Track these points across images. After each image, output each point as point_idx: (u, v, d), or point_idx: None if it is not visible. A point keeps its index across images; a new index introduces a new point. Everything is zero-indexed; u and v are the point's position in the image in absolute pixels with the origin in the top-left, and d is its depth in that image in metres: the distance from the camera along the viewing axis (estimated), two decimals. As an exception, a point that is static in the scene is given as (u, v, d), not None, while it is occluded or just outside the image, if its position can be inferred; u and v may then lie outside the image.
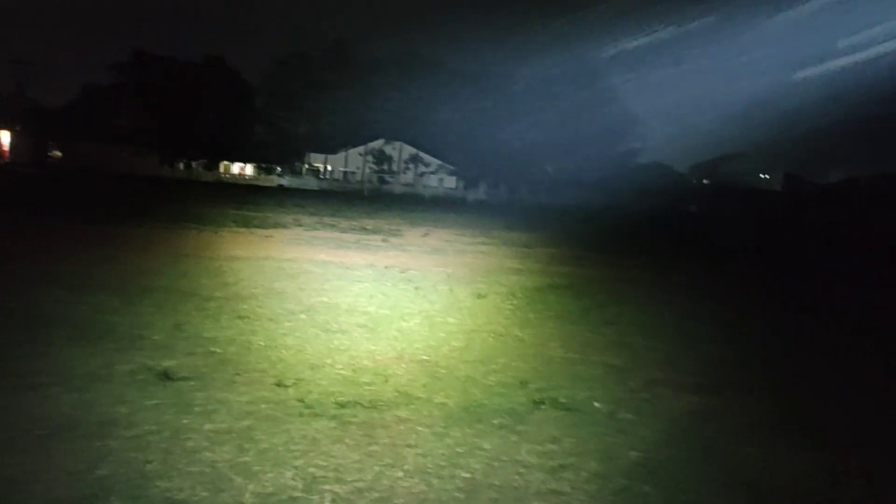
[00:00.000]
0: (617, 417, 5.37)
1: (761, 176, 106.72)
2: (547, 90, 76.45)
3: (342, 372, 6.01)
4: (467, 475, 4.11)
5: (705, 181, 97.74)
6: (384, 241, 18.74)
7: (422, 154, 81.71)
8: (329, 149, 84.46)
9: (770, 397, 6.35)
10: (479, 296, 10.58)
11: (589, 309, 10.18)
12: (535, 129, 75.92)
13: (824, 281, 17.91)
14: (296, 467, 4.00)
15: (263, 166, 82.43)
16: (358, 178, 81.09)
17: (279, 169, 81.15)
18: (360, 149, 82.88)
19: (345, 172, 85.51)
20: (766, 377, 7.10)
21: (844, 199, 71.82)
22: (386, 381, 5.83)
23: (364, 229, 22.13)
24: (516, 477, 4.15)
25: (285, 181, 73.44)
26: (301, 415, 4.84)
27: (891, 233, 51.15)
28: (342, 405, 5.10)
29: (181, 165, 78.09)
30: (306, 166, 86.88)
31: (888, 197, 70.60)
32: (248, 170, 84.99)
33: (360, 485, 3.85)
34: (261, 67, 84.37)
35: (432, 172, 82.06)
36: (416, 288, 10.94)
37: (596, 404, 5.64)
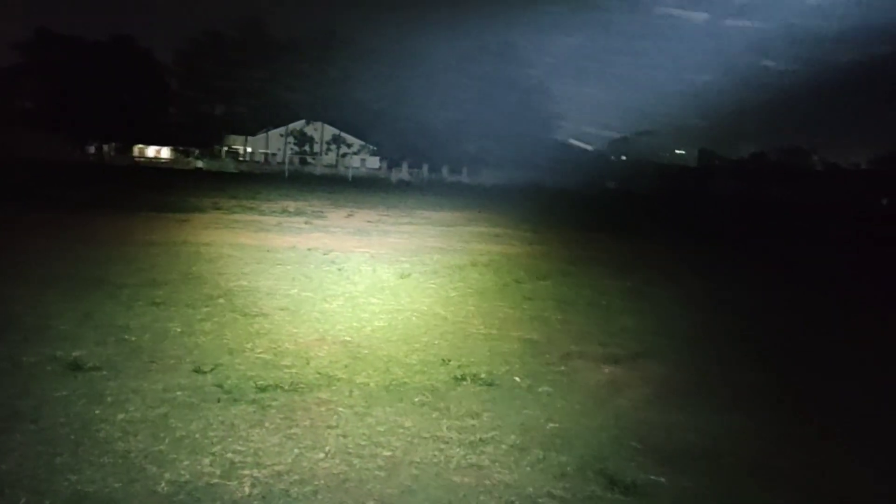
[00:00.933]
0: (535, 391, 5.48)
1: (677, 151, 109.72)
2: (467, 69, 76.53)
3: (262, 356, 5.94)
4: (388, 453, 4.14)
5: (623, 157, 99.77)
6: (306, 223, 18.52)
7: (344, 134, 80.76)
8: (248, 130, 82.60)
9: (682, 365, 6.59)
10: (402, 275, 10.59)
11: (508, 285, 10.31)
12: (456, 108, 75.92)
13: (734, 251, 18.61)
14: (213, 454, 3.95)
15: (180, 149, 79.95)
16: (279, 159, 79.56)
17: (196, 151, 78.88)
18: (281, 130, 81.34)
19: (265, 154, 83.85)
20: (678, 346, 7.34)
21: (752, 173, 74.71)
22: (307, 364, 5.79)
23: (286, 211, 21.80)
24: (437, 453, 4.19)
25: (203, 164, 71.49)
26: (219, 400, 4.77)
27: (793, 202, 53.56)
28: (262, 389, 5.05)
29: (92, 149, 75.07)
30: (225, 148, 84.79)
31: (789, 169, 74.39)
32: (164, 153, 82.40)
33: (279, 468, 3.83)
34: (173, 47, 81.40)
35: (355, 153, 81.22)
36: (339, 269, 10.88)
37: (515, 379, 5.75)
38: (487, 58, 78.23)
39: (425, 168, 71.30)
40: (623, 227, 24.91)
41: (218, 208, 21.17)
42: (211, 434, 4.22)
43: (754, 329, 8.70)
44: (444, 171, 71.26)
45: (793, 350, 7.72)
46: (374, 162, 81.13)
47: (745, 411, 5.33)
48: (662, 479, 4.01)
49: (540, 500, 3.68)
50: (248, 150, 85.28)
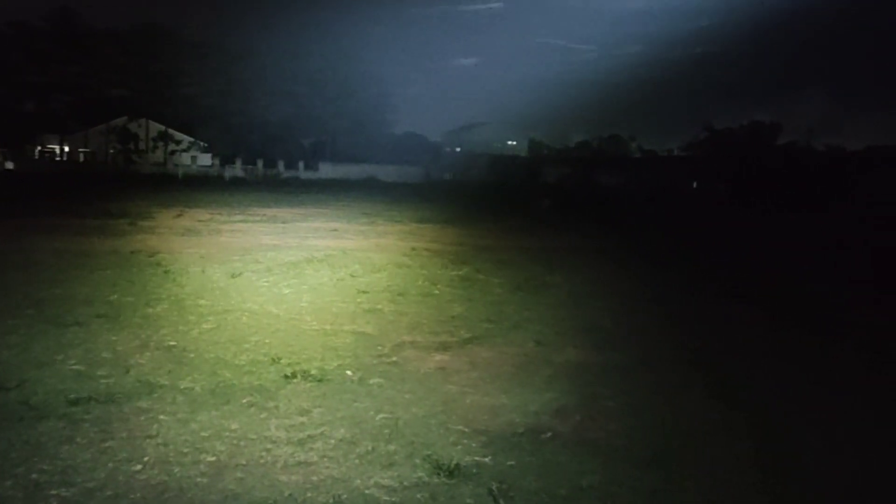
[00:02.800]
0: (367, 383, 5.51)
1: (509, 143, 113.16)
2: (298, 63, 75.21)
3: (76, 367, 5.59)
4: (212, 458, 4.02)
5: (458, 149, 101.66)
6: (131, 224, 17.54)
7: (171, 131, 77.06)
8: (66, 128, 76.95)
9: (507, 348, 6.83)
10: (233, 275, 10.30)
11: (343, 280, 10.28)
12: (289, 102, 74.52)
13: (561, 235, 19.48)
14: (15, 476, 3.68)
15: (-14, 149, 73.24)
16: (101, 159, 74.76)
17: (5, 151, 72.56)
18: (102, 127, 76.39)
19: (85, 154, 78.51)
20: (505, 330, 7.59)
21: (577, 160, 78.62)
22: (126, 372, 5.52)
23: (108, 213, 20.52)
24: (264, 453, 4.13)
25: (12, 165, 65.90)
26: (23, 419, 4.44)
27: (615, 187, 57.10)
28: (73, 402, 4.75)
29: None
30: (38, 148, 78.63)
31: (610, 156, 79.57)
32: (-33, 154, 75.21)
33: (91, 484, 3.63)
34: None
35: (184, 150, 77.61)
36: (166, 272, 10.41)
37: (347, 372, 5.75)
38: (320, 51, 77.30)
39: (260, 164, 69.40)
40: (458, 217, 25.41)
41: (32, 212, 19.63)
42: (13, 455, 3.92)
43: (575, 309, 9.14)
44: (280, 166, 69.64)
45: (610, 328, 8.19)
46: (205, 159, 77.97)
47: (563, 389, 5.61)
48: (486, 460, 4.15)
49: (367, 492, 3.71)
50: (66, 149, 79.56)
